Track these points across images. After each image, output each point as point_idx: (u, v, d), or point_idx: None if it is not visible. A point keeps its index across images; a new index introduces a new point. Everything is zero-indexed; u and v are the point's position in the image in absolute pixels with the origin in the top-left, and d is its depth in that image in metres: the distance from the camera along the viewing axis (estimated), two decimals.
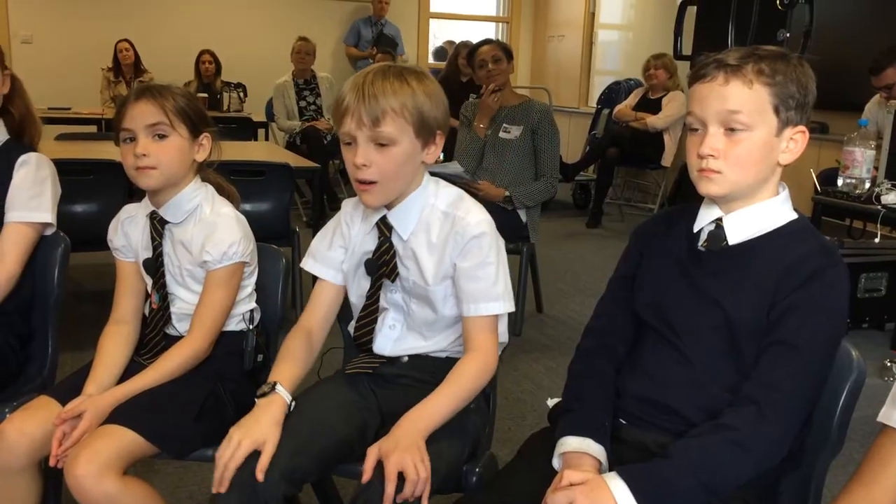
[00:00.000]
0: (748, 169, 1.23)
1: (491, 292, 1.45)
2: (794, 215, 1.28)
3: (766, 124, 1.21)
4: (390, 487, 1.24)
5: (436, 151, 1.45)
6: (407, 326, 1.54)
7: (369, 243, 1.52)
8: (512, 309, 1.49)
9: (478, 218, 1.46)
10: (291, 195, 3.50)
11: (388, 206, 1.48)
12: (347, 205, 1.58)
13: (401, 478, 1.26)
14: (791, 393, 1.17)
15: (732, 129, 1.21)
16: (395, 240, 1.49)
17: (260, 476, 1.28)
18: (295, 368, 1.48)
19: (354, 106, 1.36)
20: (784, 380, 1.17)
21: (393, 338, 1.54)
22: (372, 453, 1.30)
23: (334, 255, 1.56)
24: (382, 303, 1.54)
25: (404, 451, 1.28)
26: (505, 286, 1.47)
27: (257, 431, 1.33)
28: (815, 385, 1.20)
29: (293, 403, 1.42)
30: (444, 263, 1.47)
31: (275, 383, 1.41)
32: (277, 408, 1.38)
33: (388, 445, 1.30)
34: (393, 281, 1.51)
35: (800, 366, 1.17)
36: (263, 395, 1.40)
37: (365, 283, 1.54)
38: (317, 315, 1.57)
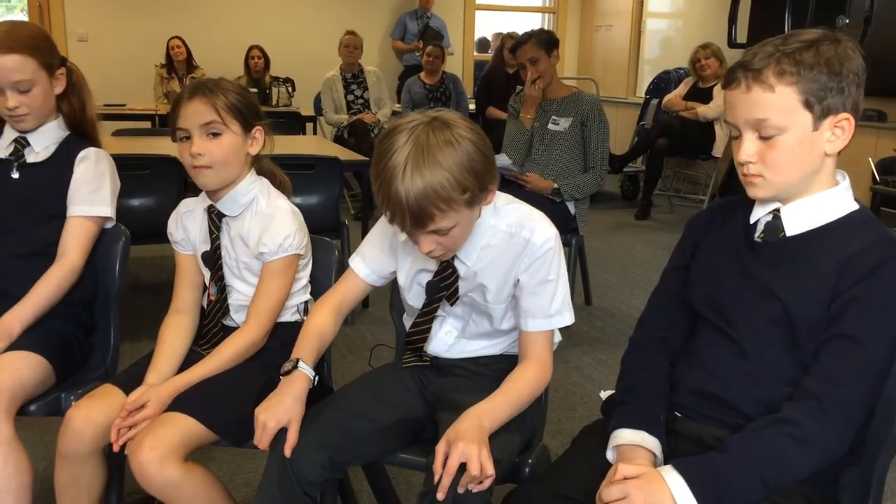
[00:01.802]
0: (789, 170, 1.20)
1: (549, 309, 1.44)
2: (856, 206, 1.25)
3: (799, 122, 1.17)
4: (446, 479, 1.25)
5: (492, 196, 1.39)
6: (463, 334, 1.55)
7: (430, 263, 1.48)
8: (571, 321, 1.48)
9: (545, 236, 1.43)
10: (341, 189, 3.53)
11: None
12: None
13: (461, 470, 1.26)
14: (853, 388, 1.14)
15: (765, 136, 1.19)
16: (457, 265, 1.47)
17: (288, 452, 1.33)
18: (318, 343, 1.50)
19: (400, 217, 1.29)
20: (846, 374, 1.14)
21: (448, 343, 1.55)
22: (440, 450, 1.29)
23: (384, 258, 1.54)
24: (441, 312, 1.54)
25: (470, 442, 1.27)
26: (563, 300, 1.46)
27: (281, 411, 1.37)
28: (878, 379, 1.17)
29: (317, 378, 1.45)
30: (508, 283, 1.46)
31: (297, 360, 1.44)
32: (300, 384, 1.41)
33: (453, 435, 1.30)
34: (453, 305, 1.50)
35: (862, 360, 1.15)
36: (287, 372, 1.44)
37: (422, 296, 1.53)
38: (348, 296, 1.58)
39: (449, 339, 1.55)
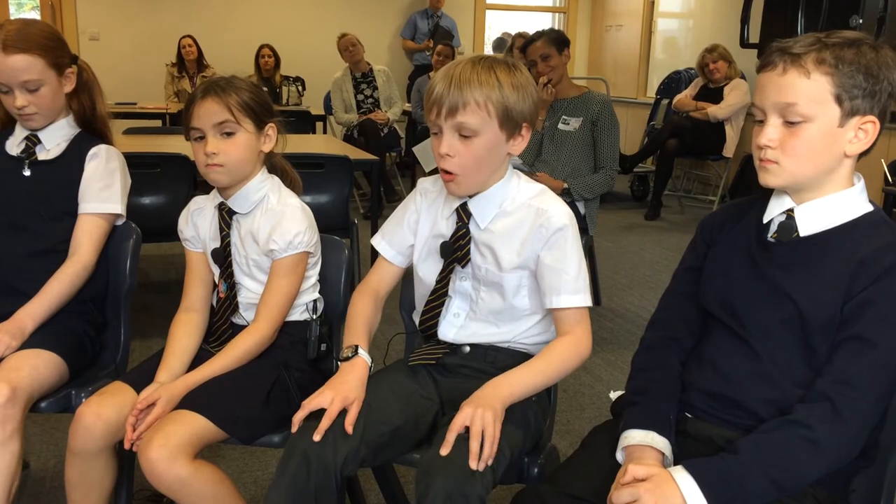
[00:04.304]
0: (807, 160, 1.20)
1: (575, 285, 1.46)
2: (870, 207, 1.24)
3: (827, 115, 1.17)
4: (451, 435, 1.28)
5: (522, 143, 1.46)
6: (471, 316, 1.55)
7: (446, 227, 1.54)
8: (590, 302, 1.49)
9: (561, 211, 1.47)
10: (351, 187, 3.53)
11: (470, 195, 1.50)
12: (425, 182, 1.61)
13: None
14: (866, 390, 1.13)
15: (791, 121, 1.18)
16: (472, 227, 1.51)
17: (349, 429, 1.36)
18: (368, 329, 1.57)
19: (440, 95, 1.40)
20: (859, 376, 1.14)
21: (457, 325, 1.56)
22: (453, 427, 1.31)
23: (404, 233, 1.60)
24: (449, 290, 1.55)
25: (477, 406, 1.32)
26: (586, 279, 1.49)
27: (348, 390, 1.41)
28: (891, 382, 1.16)
29: (373, 365, 1.49)
30: (523, 254, 1.48)
31: (356, 347, 1.50)
32: (362, 369, 1.47)
33: (464, 404, 1.33)
34: (464, 267, 1.52)
35: (875, 362, 1.14)
36: (346, 358, 1.48)
37: (436, 267, 1.56)
38: (383, 281, 1.63)
39: (457, 321, 1.56)
